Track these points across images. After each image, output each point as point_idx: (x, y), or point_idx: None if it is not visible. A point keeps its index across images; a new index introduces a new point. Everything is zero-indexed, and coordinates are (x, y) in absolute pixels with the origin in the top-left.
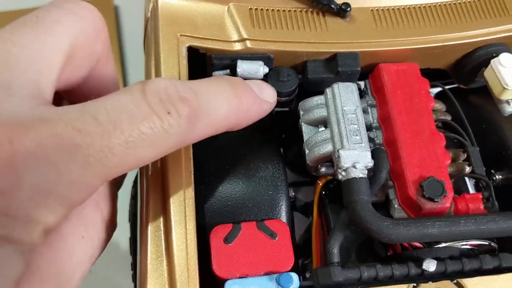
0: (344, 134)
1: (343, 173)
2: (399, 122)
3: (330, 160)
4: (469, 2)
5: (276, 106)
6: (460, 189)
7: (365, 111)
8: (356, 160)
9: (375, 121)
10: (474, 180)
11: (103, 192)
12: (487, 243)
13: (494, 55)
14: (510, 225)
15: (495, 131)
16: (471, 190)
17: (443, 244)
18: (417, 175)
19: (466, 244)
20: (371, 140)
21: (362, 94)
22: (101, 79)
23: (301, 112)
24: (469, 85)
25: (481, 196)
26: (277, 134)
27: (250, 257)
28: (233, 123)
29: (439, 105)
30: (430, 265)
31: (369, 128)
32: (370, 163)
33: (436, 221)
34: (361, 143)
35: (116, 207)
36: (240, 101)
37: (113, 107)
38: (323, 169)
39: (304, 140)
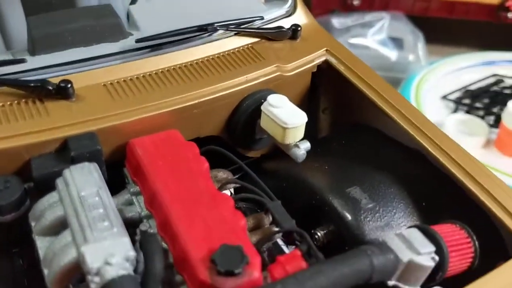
0: (85, 225)
1: (96, 278)
2: (167, 196)
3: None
4: (222, 55)
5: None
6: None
7: (131, 203)
8: (109, 252)
9: (143, 209)
10: (293, 246)
11: None
12: None
13: (262, 100)
14: (343, 270)
15: (300, 184)
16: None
17: None
18: (205, 250)
19: None
20: (143, 234)
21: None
22: None
23: (32, 223)
24: (254, 147)
25: (299, 253)
26: None
27: None
28: None
29: (223, 174)
30: None
31: (139, 221)
32: (130, 251)
33: None
34: (112, 228)
35: None
36: None
37: None
38: None
39: (41, 259)
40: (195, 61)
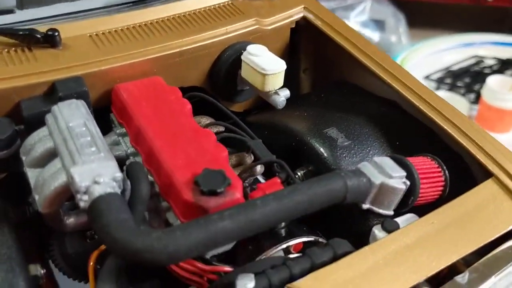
0: (74, 151)
1: (84, 196)
2: (151, 131)
3: (73, 198)
4: (204, 10)
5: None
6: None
7: (117, 144)
8: (97, 173)
9: (130, 148)
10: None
11: None
12: (312, 239)
13: (242, 51)
14: (318, 189)
15: (281, 130)
16: None
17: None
18: (188, 175)
19: (289, 248)
20: (129, 164)
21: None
22: None
23: (23, 157)
24: (237, 98)
25: (278, 180)
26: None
27: None
28: None
29: (206, 120)
30: (246, 283)
31: (126, 158)
32: (117, 173)
33: (225, 211)
34: (100, 153)
35: None
36: None
37: None
38: (71, 219)
39: (32, 187)
40: (177, 15)
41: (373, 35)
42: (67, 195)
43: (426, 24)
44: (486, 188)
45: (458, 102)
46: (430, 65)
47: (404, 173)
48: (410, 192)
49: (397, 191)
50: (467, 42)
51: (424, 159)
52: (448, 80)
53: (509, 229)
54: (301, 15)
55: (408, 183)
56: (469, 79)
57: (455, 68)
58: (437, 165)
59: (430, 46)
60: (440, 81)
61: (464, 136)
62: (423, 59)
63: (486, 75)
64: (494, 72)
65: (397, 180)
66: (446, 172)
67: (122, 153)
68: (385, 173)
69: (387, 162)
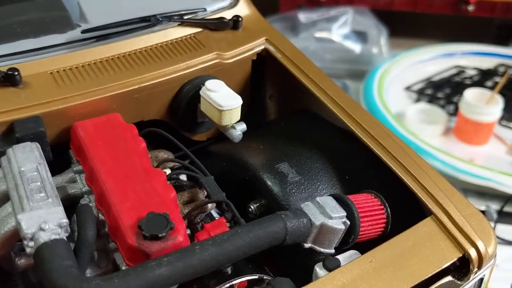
0: (23, 196)
1: (31, 243)
2: (103, 172)
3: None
4: (165, 44)
5: None
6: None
7: (74, 181)
8: (43, 220)
9: (85, 186)
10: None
11: None
12: (256, 277)
13: (201, 86)
14: (258, 232)
15: (237, 163)
16: None
17: None
18: (134, 218)
19: (234, 286)
20: (79, 206)
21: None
22: None
23: None
24: (198, 130)
25: (224, 220)
26: None
27: None
28: None
29: (164, 154)
30: None
31: (81, 197)
32: (63, 219)
33: (164, 258)
34: (48, 199)
35: None
36: None
37: None
38: (22, 260)
39: None
40: (138, 50)
41: (355, 47)
42: (17, 238)
43: (408, 34)
44: (425, 226)
45: (437, 114)
46: (411, 76)
47: (344, 213)
48: (350, 231)
49: (336, 231)
50: (448, 52)
51: (367, 196)
52: (429, 91)
53: (443, 267)
54: (262, 47)
55: (348, 223)
56: (449, 90)
57: (436, 78)
58: (379, 203)
59: (411, 56)
60: (420, 92)
61: (406, 173)
62: (404, 70)
63: (466, 86)
64: (475, 82)
65: (337, 220)
66: (388, 209)
67: (77, 191)
68: (325, 213)
69: (328, 202)
